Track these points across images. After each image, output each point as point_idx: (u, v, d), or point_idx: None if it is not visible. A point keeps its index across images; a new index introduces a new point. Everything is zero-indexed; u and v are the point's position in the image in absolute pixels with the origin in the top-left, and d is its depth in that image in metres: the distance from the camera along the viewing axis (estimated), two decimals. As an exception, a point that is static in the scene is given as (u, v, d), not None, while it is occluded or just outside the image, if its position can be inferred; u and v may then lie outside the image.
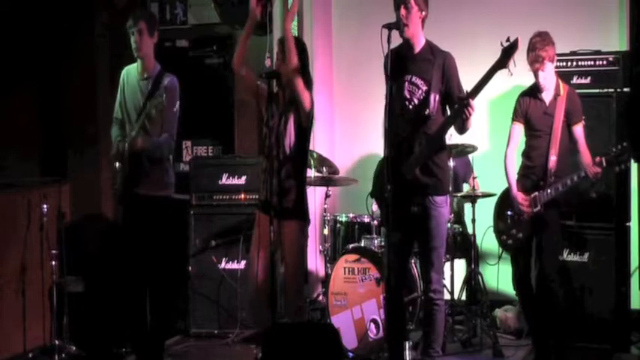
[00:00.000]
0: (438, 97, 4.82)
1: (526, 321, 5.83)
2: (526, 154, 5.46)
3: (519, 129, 5.47)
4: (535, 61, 5.27)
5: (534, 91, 5.43)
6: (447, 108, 4.89)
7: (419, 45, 4.90)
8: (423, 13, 4.86)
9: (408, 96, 4.88)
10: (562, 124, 5.33)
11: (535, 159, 5.39)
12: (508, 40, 4.58)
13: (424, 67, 4.85)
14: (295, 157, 5.18)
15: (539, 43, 5.27)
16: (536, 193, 5.32)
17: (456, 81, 4.85)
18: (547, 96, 5.39)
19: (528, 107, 5.42)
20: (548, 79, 5.36)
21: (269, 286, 5.07)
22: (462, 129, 4.83)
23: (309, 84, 5.20)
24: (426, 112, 4.82)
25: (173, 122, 5.54)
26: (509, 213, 5.48)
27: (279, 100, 5.28)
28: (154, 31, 5.56)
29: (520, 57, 6.28)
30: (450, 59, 4.87)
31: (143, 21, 5.51)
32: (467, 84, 4.83)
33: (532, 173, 5.39)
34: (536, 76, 5.34)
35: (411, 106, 4.87)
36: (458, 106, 4.70)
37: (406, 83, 4.88)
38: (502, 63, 4.62)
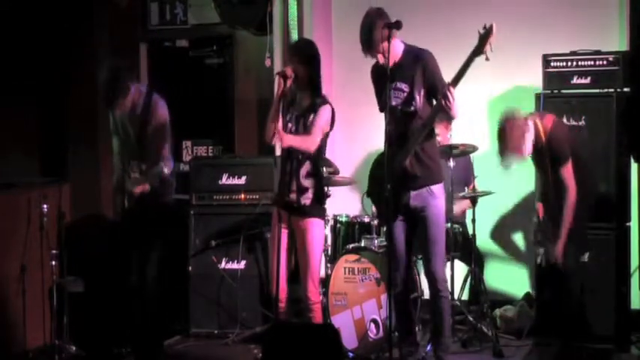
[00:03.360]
0: (422, 91, 4.95)
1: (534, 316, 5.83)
2: None
3: None
4: None
5: None
6: (434, 102, 5.00)
7: (399, 53, 5.03)
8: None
9: (395, 101, 5.01)
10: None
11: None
12: (485, 27, 4.67)
13: (405, 71, 4.99)
14: (315, 156, 5.21)
15: None
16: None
17: (437, 76, 4.97)
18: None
19: None
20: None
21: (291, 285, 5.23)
22: (449, 117, 5.02)
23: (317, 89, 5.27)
24: (412, 109, 4.97)
25: (166, 146, 5.54)
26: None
27: (295, 101, 5.28)
28: (128, 92, 5.44)
29: (521, 56, 6.35)
30: (427, 57, 5.00)
31: (119, 97, 5.41)
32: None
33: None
34: None
35: (399, 107, 5.01)
36: (440, 96, 4.82)
37: (392, 91, 5.01)
38: (479, 49, 4.71)
